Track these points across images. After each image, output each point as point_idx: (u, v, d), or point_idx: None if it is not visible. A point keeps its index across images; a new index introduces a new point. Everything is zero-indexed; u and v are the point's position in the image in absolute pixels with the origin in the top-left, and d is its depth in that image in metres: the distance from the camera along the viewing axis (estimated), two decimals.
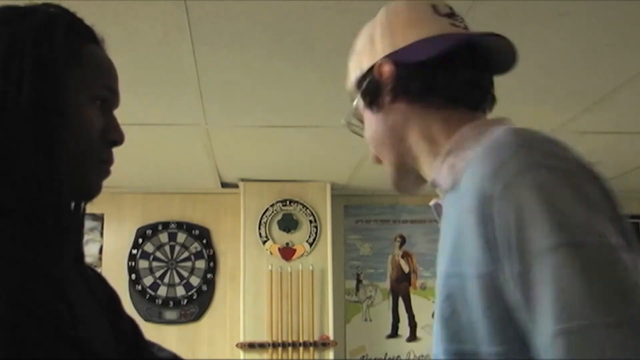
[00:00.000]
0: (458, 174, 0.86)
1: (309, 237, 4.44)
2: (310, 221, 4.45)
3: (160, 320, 4.54)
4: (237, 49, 2.38)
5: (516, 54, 0.94)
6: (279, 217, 4.45)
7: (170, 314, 4.58)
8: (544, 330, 0.69)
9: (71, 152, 0.85)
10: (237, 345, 4.28)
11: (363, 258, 4.83)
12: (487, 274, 0.75)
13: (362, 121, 1.04)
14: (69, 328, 0.73)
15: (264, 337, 4.26)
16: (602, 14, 2.13)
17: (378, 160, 1.03)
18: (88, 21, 0.94)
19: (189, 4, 2.03)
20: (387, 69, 0.94)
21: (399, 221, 4.87)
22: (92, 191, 0.91)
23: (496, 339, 0.76)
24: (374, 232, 4.87)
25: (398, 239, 4.85)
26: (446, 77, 0.93)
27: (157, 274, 4.60)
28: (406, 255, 4.84)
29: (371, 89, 0.97)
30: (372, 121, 0.99)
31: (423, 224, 4.82)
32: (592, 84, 2.74)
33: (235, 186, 4.52)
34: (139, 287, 4.54)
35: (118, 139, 0.91)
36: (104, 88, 0.91)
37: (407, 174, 1.00)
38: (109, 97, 0.91)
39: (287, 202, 4.46)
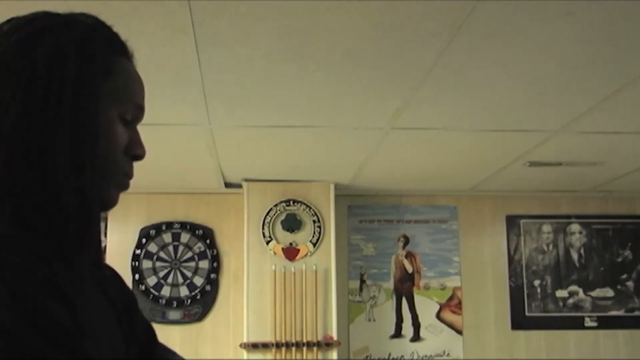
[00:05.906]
0: None
1: (313, 237, 4.44)
2: (314, 221, 4.45)
3: (164, 320, 4.54)
4: (240, 49, 2.38)
5: None
6: (283, 217, 4.45)
7: (173, 314, 4.58)
8: None
9: (98, 166, 0.84)
10: (240, 346, 4.28)
11: (366, 258, 4.83)
12: None
13: None
14: (69, 338, 0.72)
15: (268, 337, 4.26)
16: (606, 14, 2.12)
17: None
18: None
19: (192, 4, 2.04)
20: None
21: (402, 221, 4.86)
22: (112, 204, 0.90)
23: None
24: (377, 232, 4.86)
25: (402, 239, 4.85)
26: None
27: (161, 274, 4.61)
28: (410, 255, 4.84)
29: None
30: None
31: (427, 224, 4.81)
32: (595, 83, 2.73)
33: (239, 186, 4.52)
34: (143, 287, 4.55)
35: (140, 154, 0.92)
36: (133, 105, 0.91)
37: None
38: (136, 114, 0.92)
39: (291, 202, 4.46)
